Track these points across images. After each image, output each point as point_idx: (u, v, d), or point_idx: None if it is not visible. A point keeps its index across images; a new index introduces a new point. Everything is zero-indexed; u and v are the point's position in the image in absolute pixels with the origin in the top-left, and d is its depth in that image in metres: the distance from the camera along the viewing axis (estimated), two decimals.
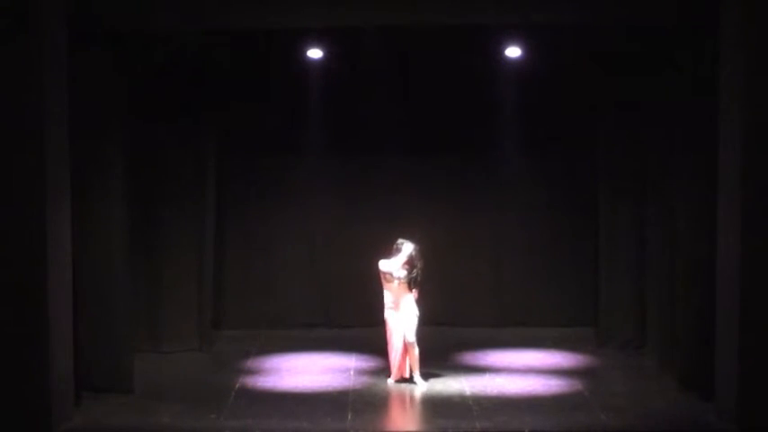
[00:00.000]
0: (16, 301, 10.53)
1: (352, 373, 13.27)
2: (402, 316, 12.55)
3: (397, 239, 12.66)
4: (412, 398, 12.28)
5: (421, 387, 12.49)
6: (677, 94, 12.47)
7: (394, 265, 12.50)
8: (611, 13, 11.85)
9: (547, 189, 15.50)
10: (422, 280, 12.65)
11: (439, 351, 14.12)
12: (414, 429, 11.30)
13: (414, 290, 12.58)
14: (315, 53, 14.35)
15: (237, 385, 12.71)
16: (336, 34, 13.72)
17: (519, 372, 13.36)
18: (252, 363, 13.83)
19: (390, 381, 12.66)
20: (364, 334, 14.25)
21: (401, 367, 12.65)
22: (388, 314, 12.63)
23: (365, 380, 12.89)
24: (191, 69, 14.00)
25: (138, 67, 12.95)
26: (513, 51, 14.26)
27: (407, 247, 12.55)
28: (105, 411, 11.58)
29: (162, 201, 14.26)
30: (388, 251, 12.60)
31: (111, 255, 12.16)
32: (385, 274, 12.53)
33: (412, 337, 12.54)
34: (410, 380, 12.63)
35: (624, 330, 14.40)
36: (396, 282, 12.52)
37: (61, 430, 10.84)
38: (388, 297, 12.61)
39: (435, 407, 11.82)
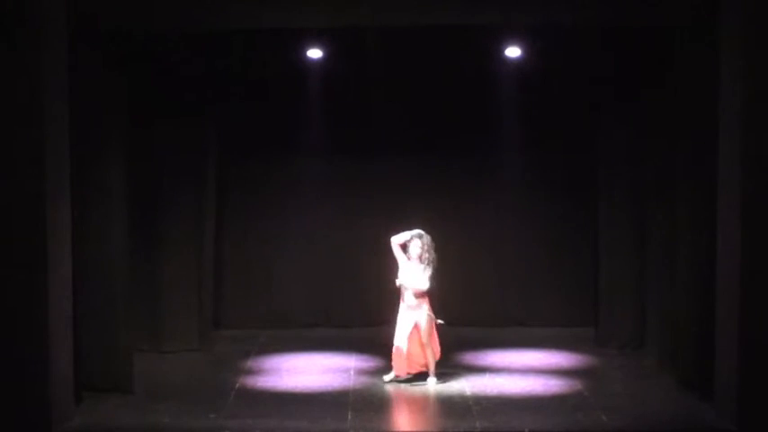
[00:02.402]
0: (16, 301, 10.53)
1: (352, 373, 13.27)
2: (417, 315, 12.56)
3: (413, 229, 12.65)
4: (412, 398, 12.28)
5: (431, 387, 12.51)
6: (677, 93, 12.47)
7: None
8: (611, 13, 11.86)
9: (547, 189, 15.50)
10: (435, 277, 12.62)
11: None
12: (414, 429, 11.30)
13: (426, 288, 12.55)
14: (315, 53, 14.37)
15: (237, 385, 12.71)
16: (336, 34, 13.73)
17: (519, 372, 13.35)
18: (252, 363, 13.84)
19: (388, 378, 12.65)
20: (364, 334, 14.26)
21: (408, 365, 12.63)
22: (400, 311, 12.62)
23: (365, 380, 12.88)
24: (191, 69, 13.99)
25: (138, 67, 12.95)
26: (513, 51, 14.28)
27: (416, 233, 12.53)
28: (105, 411, 11.57)
29: (162, 201, 14.25)
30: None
31: (111, 255, 12.16)
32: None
33: (425, 338, 12.55)
34: (411, 379, 12.65)
35: (624, 330, 14.39)
36: (408, 290, 12.53)
37: (61, 430, 10.84)
38: (404, 295, 12.61)
39: (435, 407, 11.82)
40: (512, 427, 11.01)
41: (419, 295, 12.56)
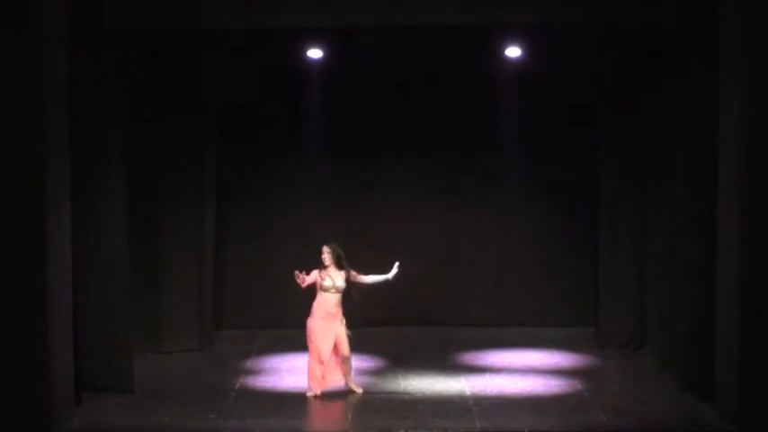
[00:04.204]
0: (16, 301, 10.53)
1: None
2: (336, 326, 12.26)
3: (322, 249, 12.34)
4: (412, 398, 12.27)
5: (358, 392, 12.30)
6: (677, 94, 12.47)
7: (335, 279, 12.24)
8: (611, 13, 11.86)
9: (547, 189, 15.49)
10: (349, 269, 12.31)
11: (439, 351, 14.14)
12: (413, 429, 11.29)
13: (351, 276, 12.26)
14: (315, 53, 14.37)
15: (237, 385, 12.71)
16: (336, 34, 13.73)
17: (519, 372, 13.35)
18: (252, 363, 13.84)
19: (311, 394, 12.16)
20: (363, 334, 14.22)
21: (326, 378, 12.23)
22: (316, 323, 12.22)
23: (365, 380, 12.87)
24: (191, 69, 13.99)
25: (138, 67, 12.95)
26: (513, 51, 14.28)
27: (327, 251, 12.26)
28: (105, 411, 11.58)
29: (162, 201, 14.25)
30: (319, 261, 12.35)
31: (111, 255, 12.17)
32: (323, 285, 12.24)
33: (347, 351, 12.25)
34: (349, 389, 12.36)
35: (624, 330, 14.40)
36: (334, 291, 12.25)
37: (61, 430, 10.84)
38: (322, 305, 12.28)
39: (435, 407, 11.82)
40: (512, 427, 11.01)
41: (340, 301, 12.25)
